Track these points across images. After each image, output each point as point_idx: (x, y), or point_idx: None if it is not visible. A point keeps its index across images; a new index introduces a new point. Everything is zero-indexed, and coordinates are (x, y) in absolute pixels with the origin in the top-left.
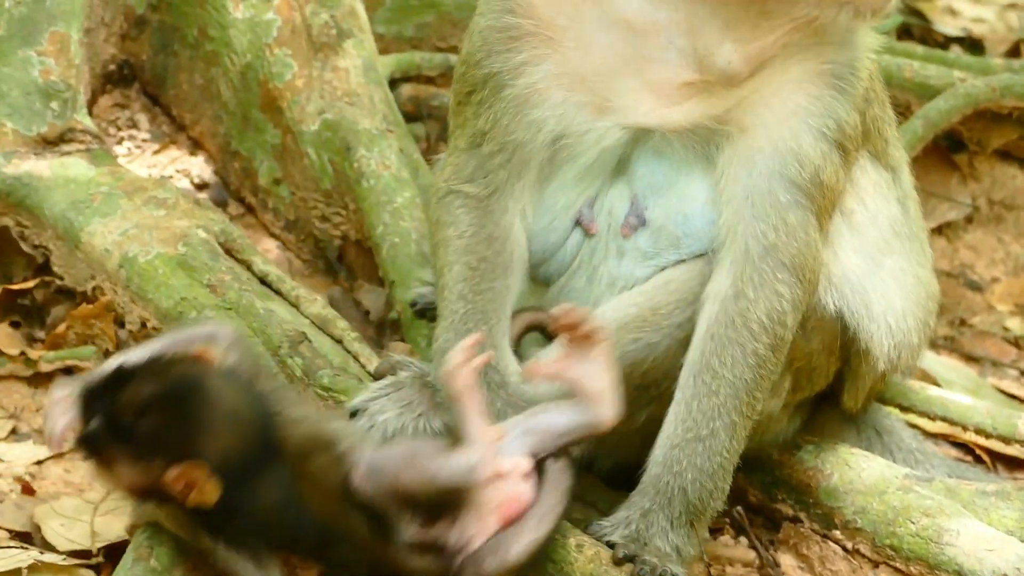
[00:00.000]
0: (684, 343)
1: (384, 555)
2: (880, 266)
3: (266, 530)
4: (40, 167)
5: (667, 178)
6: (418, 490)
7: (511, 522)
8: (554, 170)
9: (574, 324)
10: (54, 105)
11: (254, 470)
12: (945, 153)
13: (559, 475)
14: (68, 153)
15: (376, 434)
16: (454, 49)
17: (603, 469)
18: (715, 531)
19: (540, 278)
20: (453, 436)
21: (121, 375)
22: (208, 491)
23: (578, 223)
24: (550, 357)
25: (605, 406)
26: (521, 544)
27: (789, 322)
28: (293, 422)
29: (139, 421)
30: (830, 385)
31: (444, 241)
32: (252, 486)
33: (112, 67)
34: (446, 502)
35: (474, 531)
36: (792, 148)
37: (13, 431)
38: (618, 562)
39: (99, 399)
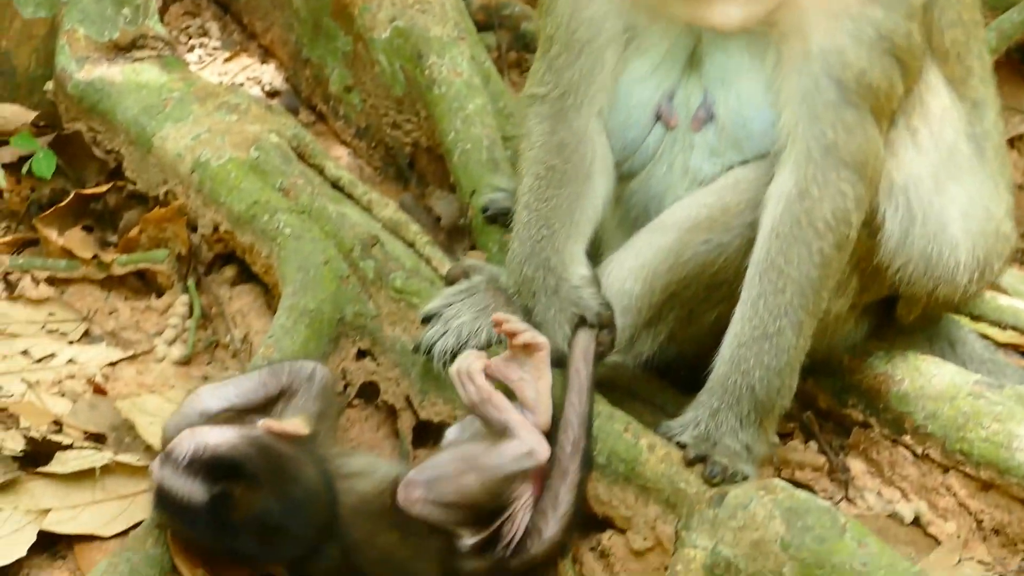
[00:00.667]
0: (753, 242)
1: (449, 569)
2: (941, 189)
3: None
4: (112, 73)
5: (730, 76)
6: (483, 488)
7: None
8: (625, 66)
9: (514, 333)
10: (126, 11)
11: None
12: (1018, 66)
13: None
14: (140, 59)
15: (451, 339)
16: None
17: (672, 371)
18: (785, 436)
19: (623, 173)
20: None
21: (236, 466)
22: None
23: (658, 117)
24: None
25: (539, 414)
26: (555, 521)
27: (853, 220)
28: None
29: (240, 532)
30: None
31: (521, 153)
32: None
33: None
34: (505, 493)
35: (520, 513)
36: (835, 49)
37: (86, 333)
38: (689, 463)
39: (208, 474)
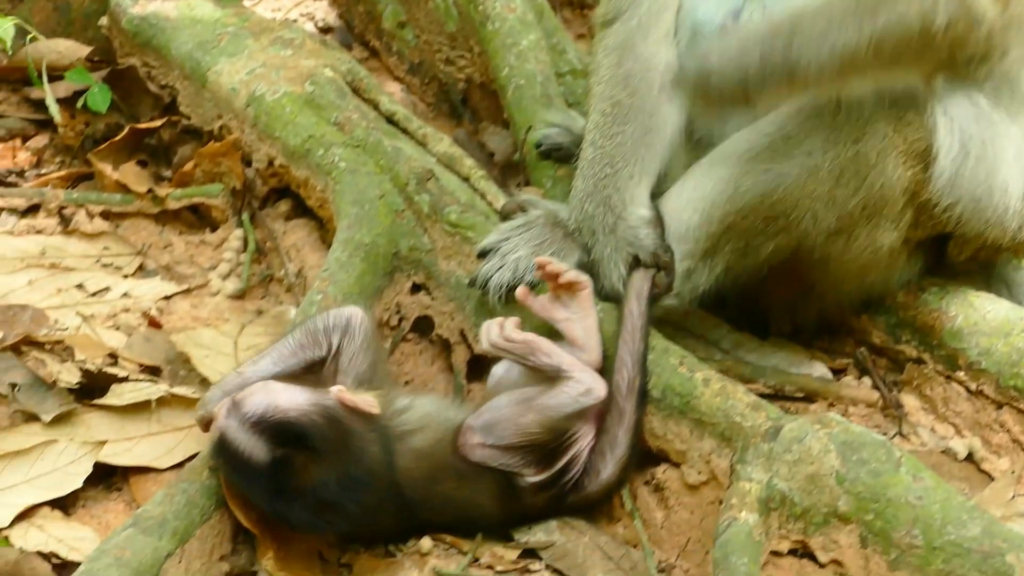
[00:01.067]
0: (814, 171)
1: (507, 508)
2: (998, 131)
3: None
4: (166, 8)
5: None
6: (543, 429)
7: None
8: None
9: (556, 274)
10: None
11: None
12: None
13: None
14: None
15: (507, 273)
16: None
17: (725, 308)
18: (838, 372)
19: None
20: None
21: (303, 434)
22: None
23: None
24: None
25: (589, 352)
26: (612, 461)
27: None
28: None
29: (294, 500)
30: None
31: (588, 90)
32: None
33: None
34: (565, 433)
35: (580, 452)
36: None
37: (140, 267)
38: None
39: (273, 436)
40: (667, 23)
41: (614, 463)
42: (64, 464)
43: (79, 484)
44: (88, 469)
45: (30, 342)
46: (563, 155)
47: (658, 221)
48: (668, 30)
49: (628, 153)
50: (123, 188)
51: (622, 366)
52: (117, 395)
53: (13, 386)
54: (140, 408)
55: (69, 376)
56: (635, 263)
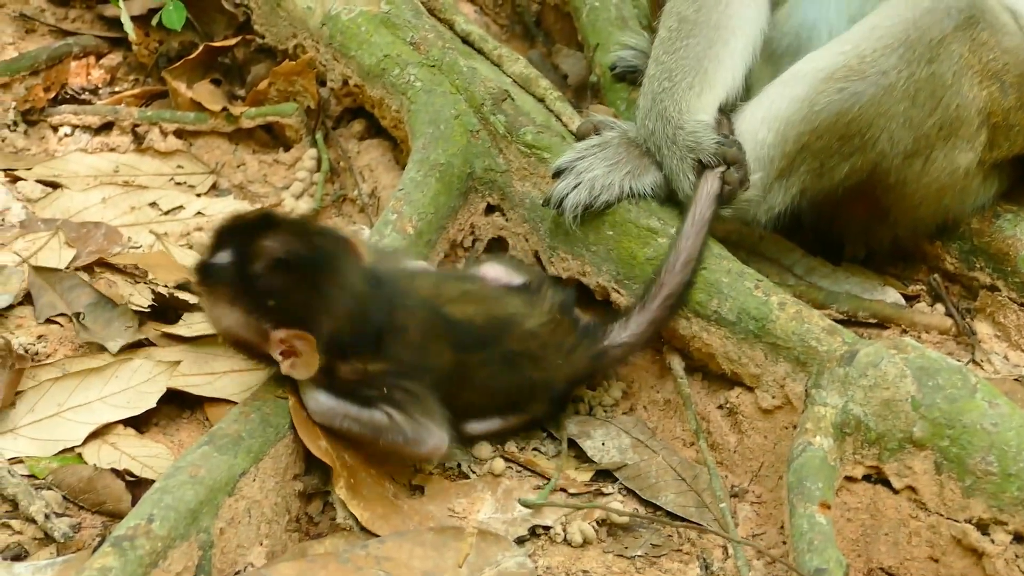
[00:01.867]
0: (889, 91)
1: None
2: None
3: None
4: None
5: None
6: None
7: None
8: None
9: None
10: None
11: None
12: None
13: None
14: None
15: (583, 192)
16: None
17: (799, 233)
18: (911, 299)
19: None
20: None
21: (267, 222)
22: (308, 365)
23: None
24: None
25: None
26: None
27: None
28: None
29: (268, 274)
30: None
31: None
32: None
33: None
34: None
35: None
36: None
37: (214, 186)
38: None
39: (238, 236)
40: None
41: (633, 327)
42: (138, 383)
43: (153, 404)
44: (162, 389)
45: (103, 263)
46: (637, 77)
47: (723, 125)
48: None
49: (688, 66)
50: (197, 106)
51: (669, 268)
52: (188, 325)
53: (78, 315)
54: (210, 340)
55: (141, 299)
56: (701, 167)
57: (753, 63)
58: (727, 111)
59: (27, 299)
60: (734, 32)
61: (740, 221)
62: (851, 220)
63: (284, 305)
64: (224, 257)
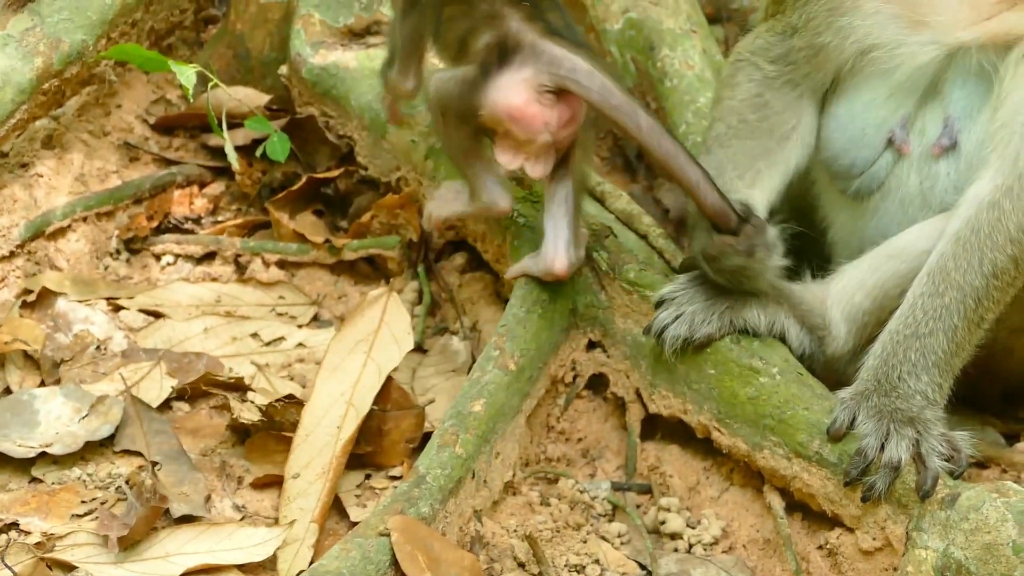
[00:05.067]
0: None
1: None
2: None
3: None
4: (346, 58)
5: (975, 105)
6: None
7: None
8: (864, 82)
9: None
10: None
11: None
12: None
13: None
14: (374, 45)
15: (683, 326)
16: None
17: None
18: (1011, 437)
19: (852, 193)
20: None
21: None
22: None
23: (890, 142)
24: None
25: None
26: None
27: None
28: None
29: None
30: None
31: (718, 101)
32: None
33: None
34: None
35: None
36: None
37: (315, 318)
38: (828, 429)
39: None
40: (823, 90)
41: None
42: (250, 545)
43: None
44: (270, 551)
45: (211, 382)
46: None
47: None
48: (818, 94)
49: (741, 162)
50: (299, 237)
51: None
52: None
53: (154, 464)
54: None
55: (249, 414)
56: None
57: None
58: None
59: None
60: (786, 149)
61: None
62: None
63: None
64: None
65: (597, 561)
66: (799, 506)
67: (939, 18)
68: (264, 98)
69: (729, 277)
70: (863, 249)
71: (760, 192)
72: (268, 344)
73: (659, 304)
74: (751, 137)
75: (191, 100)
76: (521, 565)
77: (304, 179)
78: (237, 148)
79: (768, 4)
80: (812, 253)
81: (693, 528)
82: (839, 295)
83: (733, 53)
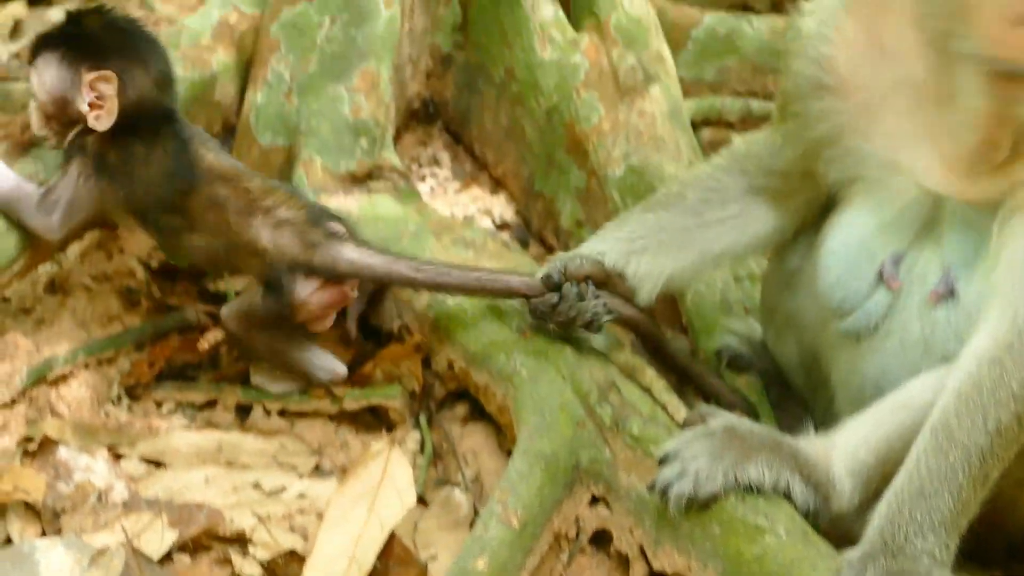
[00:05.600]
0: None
1: None
2: None
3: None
4: (349, 203)
5: (978, 250)
6: None
7: None
8: (856, 214)
9: None
10: (363, 142)
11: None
12: None
13: None
14: (376, 190)
15: (687, 483)
16: (755, 94)
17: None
18: None
19: (851, 332)
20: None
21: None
22: (111, 111)
23: (881, 277)
24: None
25: None
26: None
27: None
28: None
29: (87, 29)
30: None
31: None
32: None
33: (416, 104)
34: None
35: None
36: None
37: (316, 468)
38: None
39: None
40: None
41: None
42: None
43: None
44: None
45: (212, 535)
46: (743, 364)
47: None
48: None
49: (643, 225)
50: None
51: None
52: None
53: None
54: None
55: (251, 569)
56: None
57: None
58: None
59: None
60: (722, 226)
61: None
62: None
63: (91, 49)
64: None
65: None
66: None
67: (916, 166)
68: None
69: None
70: (865, 391)
71: (644, 259)
72: (269, 494)
73: (663, 460)
74: (676, 208)
75: None
76: None
77: None
78: (237, 293)
79: (775, 112)
80: (816, 403)
81: None
82: (843, 451)
83: (726, 147)
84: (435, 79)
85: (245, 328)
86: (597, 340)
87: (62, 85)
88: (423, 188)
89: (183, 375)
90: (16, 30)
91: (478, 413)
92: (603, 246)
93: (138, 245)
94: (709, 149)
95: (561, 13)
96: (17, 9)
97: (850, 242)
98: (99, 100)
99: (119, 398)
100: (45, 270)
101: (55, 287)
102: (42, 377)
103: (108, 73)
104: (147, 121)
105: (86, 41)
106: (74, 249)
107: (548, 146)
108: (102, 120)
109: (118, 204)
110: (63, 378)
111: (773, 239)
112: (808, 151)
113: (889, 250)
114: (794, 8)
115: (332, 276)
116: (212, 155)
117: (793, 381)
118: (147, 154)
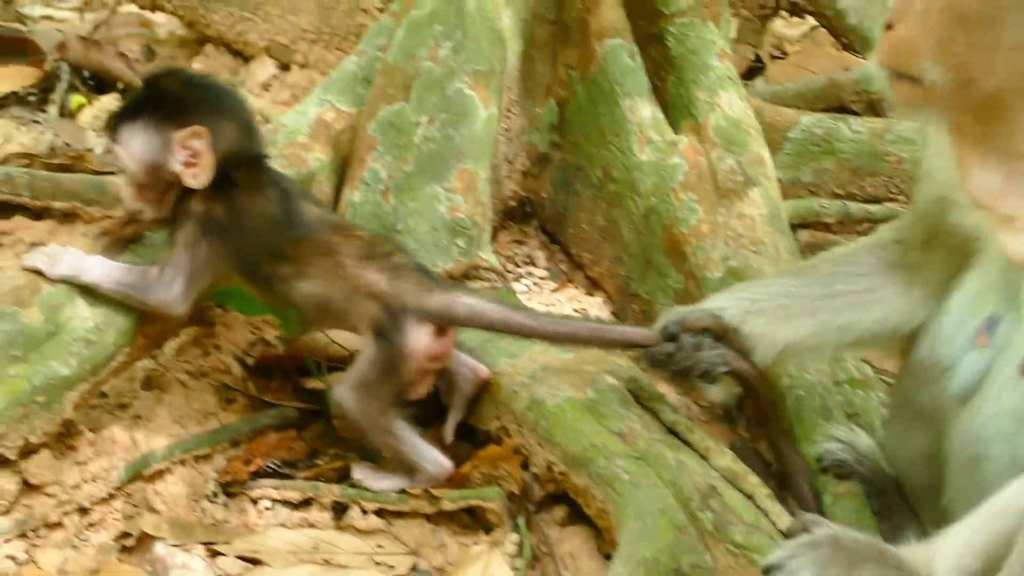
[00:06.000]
0: None
1: None
2: None
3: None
4: None
5: None
6: None
7: None
8: (970, 276)
9: None
10: (460, 242)
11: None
12: None
13: None
14: (474, 290)
15: None
16: (852, 196)
17: None
18: None
19: (953, 392)
20: None
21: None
22: (206, 165)
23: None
24: None
25: None
26: None
27: None
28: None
29: (165, 91)
30: None
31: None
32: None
33: (512, 203)
34: None
35: None
36: None
37: (413, 568)
38: None
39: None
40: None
41: None
42: None
43: None
44: None
45: None
46: (844, 472)
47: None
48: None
49: (769, 291)
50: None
51: None
52: None
53: None
54: None
55: None
56: None
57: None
58: None
59: None
60: (845, 299)
61: None
62: None
63: (177, 107)
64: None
65: None
66: None
67: (1007, 241)
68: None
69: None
70: (970, 459)
71: (762, 320)
72: None
73: (767, 571)
74: (805, 277)
75: (289, 342)
76: None
77: None
78: (331, 368)
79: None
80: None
81: None
82: (947, 558)
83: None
84: (531, 178)
85: (360, 403)
86: (713, 391)
87: (152, 150)
88: (519, 288)
89: (279, 473)
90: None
91: (577, 516)
92: (723, 303)
93: (234, 342)
94: (807, 251)
95: (660, 114)
96: (110, 102)
97: (961, 300)
98: (193, 158)
99: (215, 495)
100: (142, 366)
101: (152, 383)
102: (139, 473)
103: (198, 128)
104: (243, 171)
105: (167, 101)
106: (171, 345)
107: (645, 247)
108: (199, 177)
109: (231, 261)
110: (160, 474)
111: (900, 321)
112: (935, 215)
113: (989, 309)
114: (891, 110)
115: (448, 321)
116: (314, 205)
117: (909, 483)
118: (252, 203)
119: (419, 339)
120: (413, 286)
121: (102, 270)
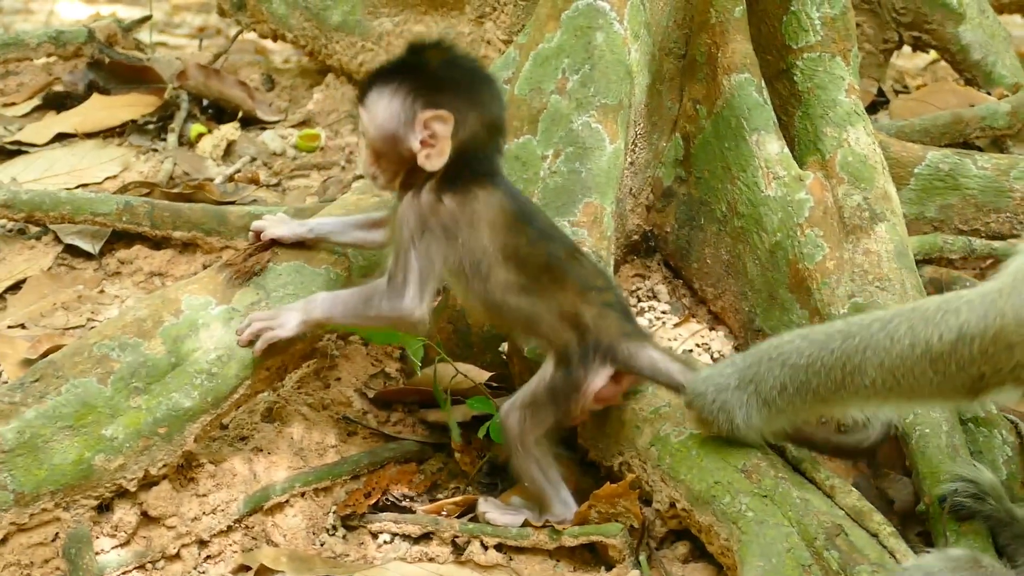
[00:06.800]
0: None
1: None
2: None
3: None
4: None
5: None
6: None
7: None
8: None
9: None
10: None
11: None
12: None
13: None
14: None
15: None
16: (976, 232)
17: None
18: None
19: None
20: None
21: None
22: (443, 151)
23: None
24: None
25: None
26: None
27: None
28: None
29: (425, 65)
30: None
31: None
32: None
33: (636, 237)
34: None
35: None
36: None
37: None
38: None
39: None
40: None
41: None
42: None
43: None
44: None
45: None
46: (967, 513)
47: None
48: None
49: None
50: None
51: None
52: None
53: None
54: None
55: None
56: None
57: None
58: None
59: None
60: None
61: None
62: None
63: (430, 87)
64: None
65: None
66: None
67: None
68: (485, 375)
69: None
70: None
71: None
72: None
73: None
74: None
75: (419, 373)
76: None
77: None
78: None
79: None
80: None
81: None
82: None
83: None
84: (655, 212)
85: (522, 424)
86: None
87: (395, 121)
88: (641, 321)
89: (399, 506)
90: (229, 152)
91: (699, 553)
92: None
93: (355, 374)
94: (930, 286)
95: (786, 149)
96: (229, 131)
97: None
98: (432, 139)
99: (335, 528)
100: (263, 398)
101: (273, 415)
102: (259, 506)
103: (444, 113)
104: (478, 165)
105: (424, 77)
106: (292, 378)
107: (770, 283)
108: (433, 160)
109: (457, 256)
110: (279, 507)
111: None
112: None
113: None
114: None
115: (628, 370)
116: (543, 214)
117: None
118: (488, 198)
119: (597, 381)
120: (613, 327)
121: (329, 301)
